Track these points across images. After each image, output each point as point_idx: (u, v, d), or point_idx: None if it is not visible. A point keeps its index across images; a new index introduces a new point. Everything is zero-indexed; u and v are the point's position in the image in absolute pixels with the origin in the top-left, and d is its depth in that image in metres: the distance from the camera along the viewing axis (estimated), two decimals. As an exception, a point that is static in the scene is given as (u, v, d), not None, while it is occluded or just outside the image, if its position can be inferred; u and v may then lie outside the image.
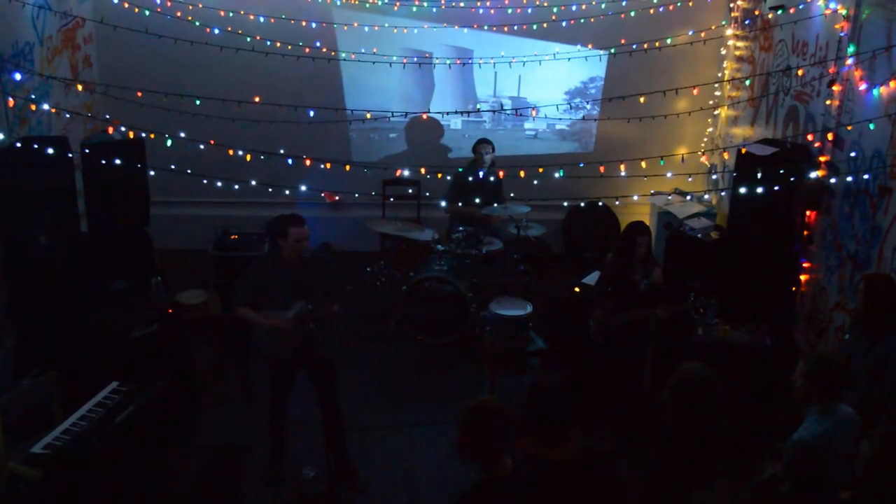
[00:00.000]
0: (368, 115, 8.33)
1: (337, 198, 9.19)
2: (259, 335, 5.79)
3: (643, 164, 6.45)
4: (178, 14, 8.01)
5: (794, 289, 7.06)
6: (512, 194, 8.48)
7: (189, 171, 6.07)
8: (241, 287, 5.78)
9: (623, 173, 6.53)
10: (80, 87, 7.82)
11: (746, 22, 8.63)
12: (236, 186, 6.24)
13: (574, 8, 8.64)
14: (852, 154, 6.20)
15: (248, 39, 7.81)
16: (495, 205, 8.22)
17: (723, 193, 8.66)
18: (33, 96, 6.87)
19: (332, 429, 6.03)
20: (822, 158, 6.67)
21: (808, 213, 6.90)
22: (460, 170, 8.42)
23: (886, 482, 3.64)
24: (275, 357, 5.82)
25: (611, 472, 4.16)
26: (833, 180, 6.42)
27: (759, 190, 6.28)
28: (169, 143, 6.12)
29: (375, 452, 6.38)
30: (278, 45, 7.75)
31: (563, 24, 8.64)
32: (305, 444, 6.22)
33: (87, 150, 6.92)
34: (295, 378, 5.94)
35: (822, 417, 4.25)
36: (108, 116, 7.81)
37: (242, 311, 5.70)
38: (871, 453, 3.68)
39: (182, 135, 6.26)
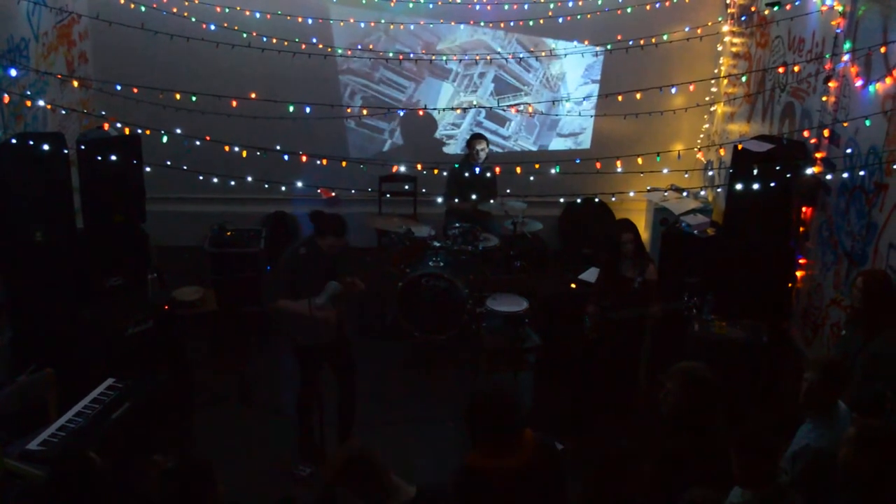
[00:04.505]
0: (365, 112, 8.33)
1: (333, 194, 9.15)
2: (295, 325, 5.92)
3: (639, 160, 6.44)
4: (174, 10, 7.99)
5: (790, 285, 7.07)
6: (508, 190, 8.48)
7: (185, 168, 6.07)
8: (280, 281, 5.95)
9: (619, 169, 6.54)
10: (75, 84, 7.79)
11: (743, 18, 8.63)
12: (232, 183, 6.24)
13: (570, 4, 8.63)
14: (848, 150, 6.21)
15: (245, 35, 7.79)
16: (491, 201, 8.22)
17: (719, 190, 8.66)
18: (29, 92, 6.86)
19: (345, 412, 6.26)
20: (817, 155, 6.67)
21: (803, 209, 6.91)
22: (456, 166, 8.42)
23: (866, 477, 3.63)
24: (311, 343, 5.96)
25: (559, 470, 4.07)
26: (829, 177, 6.43)
27: (756, 186, 6.28)
28: (165, 139, 6.10)
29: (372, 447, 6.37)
30: (274, 41, 7.73)
31: (560, 20, 8.63)
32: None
33: (82, 147, 6.91)
34: (323, 365, 6.12)
35: (833, 421, 4.26)
36: (103, 113, 7.80)
37: (283, 303, 5.85)
38: (850, 448, 3.68)
39: (178, 131, 6.25)
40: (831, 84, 6.47)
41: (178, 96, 6.94)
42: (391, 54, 8.38)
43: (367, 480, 3.65)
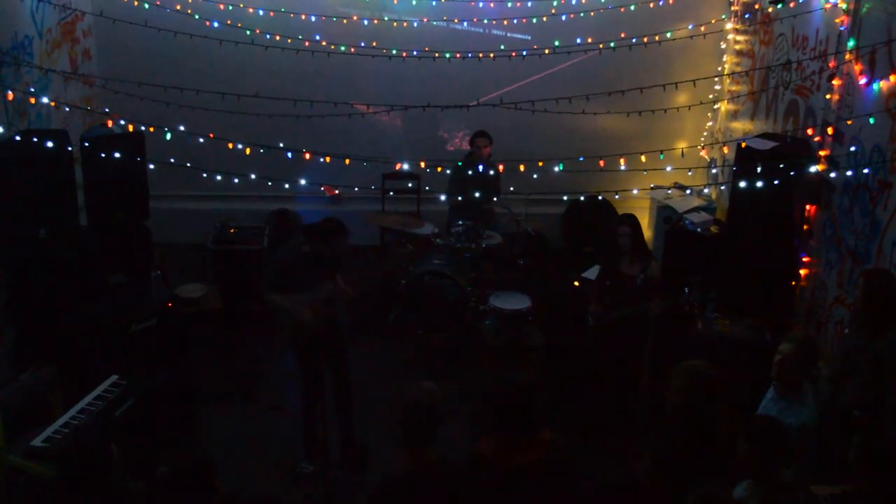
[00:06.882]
0: (368, 109, 8.32)
1: (336, 191, 9.17)
2: (283, 319, 6.01)
3: (643, 158, 6.44)
4: (178, 7, 8.00)
5: (793, 283, 7.06)
6: (512, 188, 8.48)
7: (188, 165, 6.08)
8: (276, 275, 6.04)
9: (623, 167, 6.53)
10: (80, 81, 7.81)
11: (746, 16, 8.62)
12: (235, 180, 6.25)
13: (574, 1, 8.63)
14: (852, 148, 6.20)
15: (248, 33, 7.80)
16: (494, 198, 8.21)
17: (722, 188, 8.65)
18: (33, 90, 6.87)
19: (341, 408, 6.32)
20: (821, 153, 6.66)
21: (807, 207, 6.90)
22: (459, 164, 8.42)
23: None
24: (302, 337, 5.98)
25: (568, 475, 4.07)
26: (833, 174, 6.42)
27: (759, 184, 6.27)
28: (168, 136, 6.11)
29: (373, 447, 6.38)
30: (277, 38, 7.74)
31: (563, 17, 8.63)
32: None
33: (86, 144, 6.92)
34: (321, 361, 6.15)
35: (804, 399, 4.36)
36: (107, 110, 7.80)
37: (276, 297, 5.91)
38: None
39: (181, 128, 6.26)
40: (835, 82, 6.46)
41: (181, 93, 6.94)
42: (394, 52, 8.37)
43: None
